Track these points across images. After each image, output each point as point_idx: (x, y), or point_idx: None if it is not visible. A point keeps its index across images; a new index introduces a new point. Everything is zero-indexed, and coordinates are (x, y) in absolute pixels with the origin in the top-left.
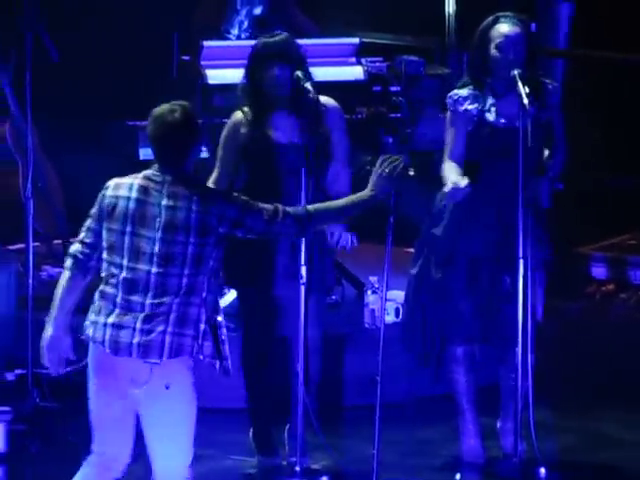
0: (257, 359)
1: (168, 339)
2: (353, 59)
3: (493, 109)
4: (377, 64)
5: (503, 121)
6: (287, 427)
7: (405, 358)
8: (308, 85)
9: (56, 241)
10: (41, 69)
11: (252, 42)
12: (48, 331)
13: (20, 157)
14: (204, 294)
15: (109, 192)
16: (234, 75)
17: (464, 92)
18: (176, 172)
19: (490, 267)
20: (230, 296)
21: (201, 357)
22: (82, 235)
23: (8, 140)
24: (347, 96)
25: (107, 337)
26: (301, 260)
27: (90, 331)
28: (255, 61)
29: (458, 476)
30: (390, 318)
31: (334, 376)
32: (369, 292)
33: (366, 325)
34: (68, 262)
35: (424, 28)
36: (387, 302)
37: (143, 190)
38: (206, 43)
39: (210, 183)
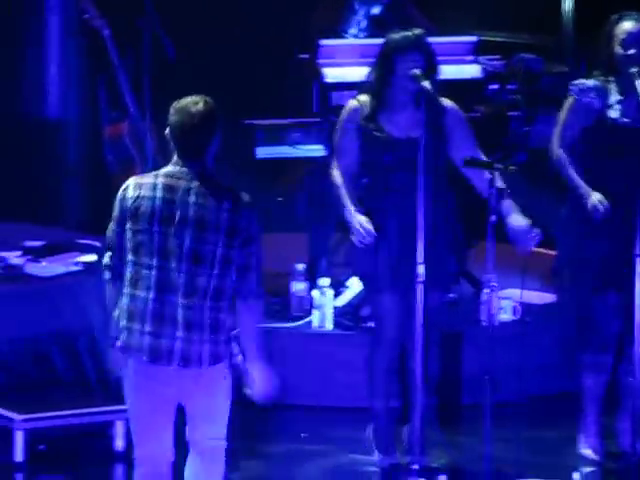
0: (387, 363)
1: (206, 348)
2: (470, 57)
3: (617, 107)
4: (494, 62)
5: (626, 120)
6: (406, 426)
7: (520, 356)
8: (426, 84)
9: None
10: (158, 68)
11: (369, 40)
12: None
13: (138, 156)
14: (231, 297)
15: (130, 193)
16: (351, 74)
17: (590, 83)
18: (198, 166)
19: (618, 268)
20: (347, 295)
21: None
22: (109, 241)
23: (126, 139)
24: (464, 94)
25: (145, 345)
26: (419, 258)
27: (124, 337)
28: (390, 53)
29: (576, 475)
30: (506, 316)
31: (452, 374)
32: (486, 290)
33: (483, 323)
34: (106, 275)
35: (541, 26)
36: (504, 300)
37: (168, 189)
38: (323, 42)
39: (336, 175)
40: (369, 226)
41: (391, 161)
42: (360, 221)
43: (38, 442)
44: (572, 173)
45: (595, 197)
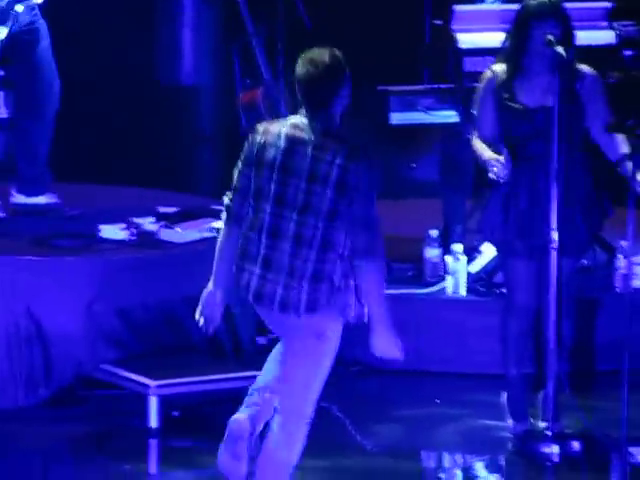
0: (520, 329)
1: (304, 296)
2: (604, 23)
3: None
4: (629, 28)
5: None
6: (541, 392)
7: None
8: (560, 49)
9: None
10: (293, 35)
11: (504, 6)
12: (208, 287)
13: None
14: (341, 250)
15: (258, 138)
16: (486, 39)
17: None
18: (322, 118)
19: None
20: (481, 261)
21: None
22: (234, 182)
23: (261, 106)
24: (598, 61)
25: (252, 286)
26: (552, 224)
27: (236, 275)
28: (527, 19)
29: None
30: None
31: (586, 341)
32: (620, 256)
33: (617, 290)
34: (223, 215)
35: None
36: (638, 266)
37: (291, 139)
38: (457, 8)
39: (476, 143)
40: (503, 159)
41: (526, 131)
42: (494, 156)
43: (172, 408)
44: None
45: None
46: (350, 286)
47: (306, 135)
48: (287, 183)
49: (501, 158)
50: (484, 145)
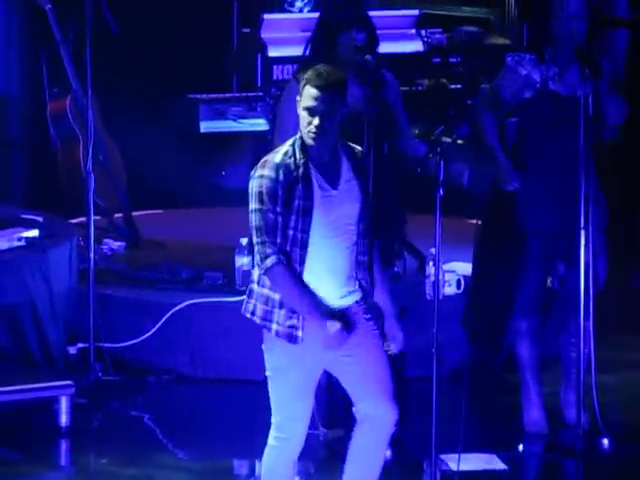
0: None
1: None
2: (413, 31)
3: (556, 78)
4: (437, 35)
5: (565, 89)
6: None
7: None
8: (368, 56)
9: (117, 215)
10: (101, 44)
11: (312, 14)
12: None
13: (81, 131)
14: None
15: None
16: (294, 47)
17: (527, 55)
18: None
19: (563, 240)
20: None
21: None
22: (266, 226)
23: (69, 114)
24: (407, 68)
25: None
26: None
27: None
28: (330, 26)
29: (521, 447)
30: (451, 290)
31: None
32: (430, 264)
33: (428, 297)
34: (275, 260)
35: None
36: (448, 273)
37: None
38: (266, 16)
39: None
40: None
41: None
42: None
43: None
44: (492, 141)
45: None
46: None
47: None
48: None
49: None
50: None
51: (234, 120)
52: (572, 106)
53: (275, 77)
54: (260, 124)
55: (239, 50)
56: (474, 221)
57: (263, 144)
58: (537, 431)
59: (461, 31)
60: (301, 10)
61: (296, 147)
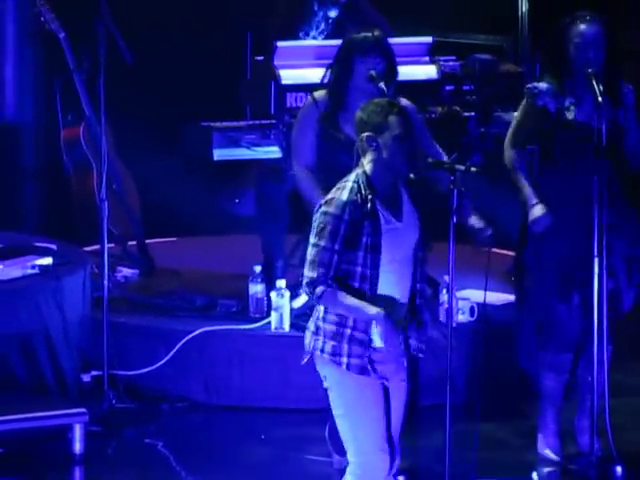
0: None
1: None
2: (427, 58)
3: (572, 108)
4: (450, 63)
5: (582, 121)
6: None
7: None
8: (382, 85)
9: (131, 243)
10: (115, 72)
11: (326, 42)
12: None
13: (94, 159)
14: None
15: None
16: (307, 75)
17: (544, 85)
18: None
19: (581, 270)
20: (304, 296)
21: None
22: None
23: (82, 142)
24: (420, 95)
25: None
26: None
27: None
28: (351, 54)
29: (535, 475)
30: (464, 317)
31: (409, 376)
32: (444, 291)
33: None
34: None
35: (497, 27)
36: (461, 301)
37: None
38: (279, 43)
39: (303, 176)
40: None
41: (350, 162)
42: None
43: None
44: (520, 176)
45: (537, 210)
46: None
47: None
48: None
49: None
50: (315, 187)
51: (247, 148)
52: (589, 136)
53: (289, 105)
54: (274, 152)
55: (252, 78)
56: (487, 249)
57: (269, 172)
58: (551, 458)
59: (474, 59)
60: (315, 39)
61: (361, 183)
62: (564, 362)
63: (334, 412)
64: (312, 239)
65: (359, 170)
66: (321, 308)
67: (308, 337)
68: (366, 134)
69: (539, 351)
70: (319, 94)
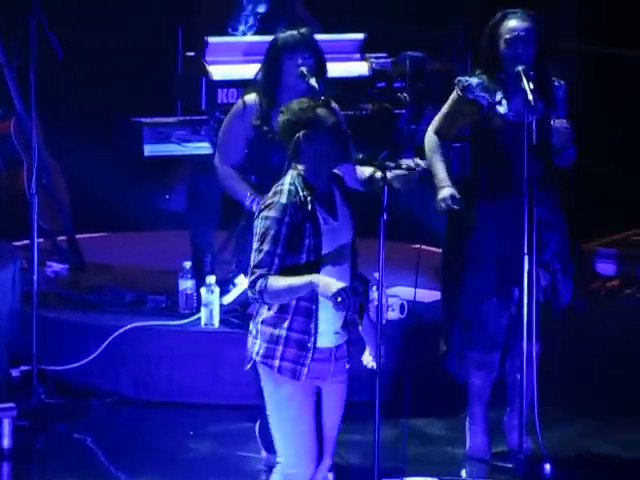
0: None
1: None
2: (358, 55)
3: (504, 102)
4: (382, 60)
5: (513, 115)
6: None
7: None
8: (313, 81)
9: (61, 237)
10: (46, 66)
11: (257, 38)
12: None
13: (25, 154)
14: None
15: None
16: (239, 71)
17: (474, 80)
18: None
19: (515, 266)
20: (235, 292)
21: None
22: None
23: (13, 137)
24: (352, 92)
25: None
26: None
27: None
28: (278, 52)
29: (464, 472)
30: (394, 314)
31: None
32: (374, 288)
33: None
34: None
35: (429, 23)
36: (391, 298)
37: None
38: (210, 39)
39: (225, 171)
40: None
41: (281, 162)
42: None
43: None
44: (437, 159)
45: (445, 192)
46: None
47: None
48: None
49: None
50: (245, 186)
51: (178, 144)
52: (519, 132)
53: (220, 101)
54: (204, 147)
55: (184, 74)
56: (417, 246)
57: (200, 167)
58: (480, 456)
59: (406, 56)
60: (244, 33)
61: (297, 184)
62: (492, 360)
63: (267, 412)
64: (255, 244)
65: (293, 172)
66: (263, 310)
67: (249, 341)
68: (302, 132)
69: (467, 349)
70: (249, 97)
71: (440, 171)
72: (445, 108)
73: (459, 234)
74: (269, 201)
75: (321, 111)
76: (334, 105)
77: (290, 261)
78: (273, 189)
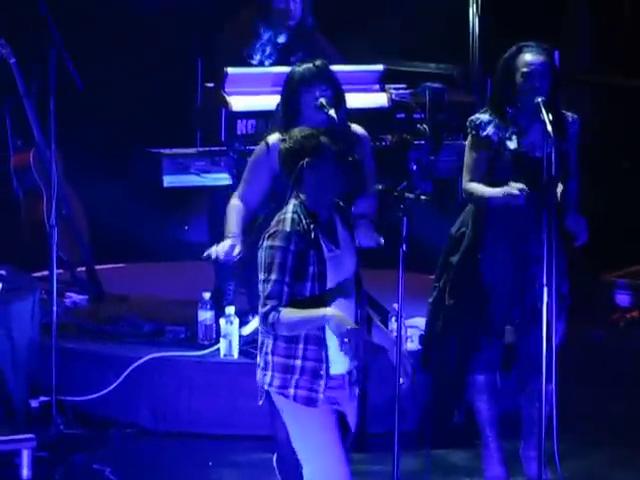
0: None
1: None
2: (377, 86)
3: (514, 137)
4: (401, 91)
5: (524, 150)
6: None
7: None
8: (332, 112)
9: (80, 269)
10: (66, 97)
11: (276, 69)
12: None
13: (44, 185)
14: None
15: None
16: (258, 102)
17: (485, 117)
18: None
19: (503, 298)
20: (254, 323)
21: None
22: None
23: (32, 167)
24: (371, 123)
25: None
26: None
27: None
28: (295, 85)
29: None
30: (414, 345)
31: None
32: (393, 319)
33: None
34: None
35: (448, 55)
36: (410, 329)
37: None
38: (230, 70)
39: (234, 205)
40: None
41: None
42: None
43: None
44: (484, 189)
45: (513, 185)
46: None
47: None
48: None
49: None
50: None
51: (197, 174)
52: (531, 167)
53: (239, 132)
54: (223, 179)
55: (203, 104)
56: (433, 277)
57: (221, 198)
58: None
59: (425, 87)
60: (261, 62)
61: (300, 213)
62: (493, 381)
63: (292, 441)
64: (261, 275)
65: (295, 201)
66: (269, 342)
67: (258, 374)
68: (306, 160)
69: (470, 374)
70: (272, 138)
71: (488, 188)
72: (468, 154)
73: (466, 262)
74: (272, 230)
75: (324, 139)
76: (363, 132)
77: (296, 289)
78: (276, 218)
